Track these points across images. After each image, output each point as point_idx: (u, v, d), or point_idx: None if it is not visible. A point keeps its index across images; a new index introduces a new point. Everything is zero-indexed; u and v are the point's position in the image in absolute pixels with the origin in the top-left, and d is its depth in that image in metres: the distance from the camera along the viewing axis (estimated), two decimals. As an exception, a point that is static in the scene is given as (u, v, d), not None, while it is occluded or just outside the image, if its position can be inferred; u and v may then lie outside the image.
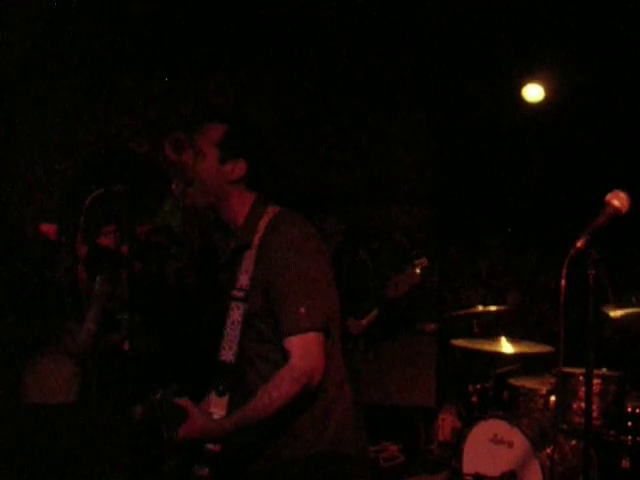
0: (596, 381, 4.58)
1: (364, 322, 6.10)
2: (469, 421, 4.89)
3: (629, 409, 4.61)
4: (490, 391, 5.13)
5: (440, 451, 6.69)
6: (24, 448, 5.01)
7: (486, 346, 5.12)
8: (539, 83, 6.87)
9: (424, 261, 6.45)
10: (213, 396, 2.87)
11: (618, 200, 2.69)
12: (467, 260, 7.74)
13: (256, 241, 2.80)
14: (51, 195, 6.66)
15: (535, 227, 7.15)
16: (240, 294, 2.80)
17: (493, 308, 5.53)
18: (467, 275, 7.71)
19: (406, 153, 7.90)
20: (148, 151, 7.10)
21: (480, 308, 5.45)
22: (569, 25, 6.44)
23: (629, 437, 4.56)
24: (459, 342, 5.30)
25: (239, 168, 2.84)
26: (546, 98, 6.88)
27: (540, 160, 7.10)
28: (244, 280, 2.80)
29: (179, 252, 6.09)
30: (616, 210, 2.68)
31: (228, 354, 2.84)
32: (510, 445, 4.53)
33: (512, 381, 5.13)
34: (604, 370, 4.82)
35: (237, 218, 2.88)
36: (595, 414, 4.55)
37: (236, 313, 2.82)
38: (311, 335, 2.69)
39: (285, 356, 2.71)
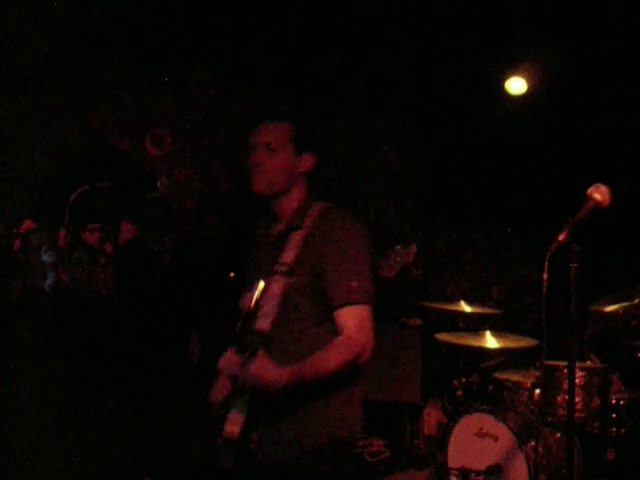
0: (580, 374, 4.58)
1: None
2: (454, 415, 4.88)
3: (613, 401, 4.61)
4: (475, 385, 5.13)
5: (426, 445, 6.69)
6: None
7: (471, 340, 5.11)
8: (522, 76, 6.88)
9: (414, 247, 6.42)
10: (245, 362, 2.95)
11: (599, 193, 2.69)
12: (451, 254, 7.74)
13: (307, 223, 3.02)
14: (32, 190, 6.62)
15: (518, 221, 7.15)
16: (283, 269, 2.96)
17: (477, 309, 5.50)
18: (451, 269, 7.71)
19: (391, 147, 7.89)
20: (129, 147, 7.08)
21: (463, 306, 5.43)
22: (551, 19, 6.44)
23: (613, 429, 4.56)
24: (444, 336, 5.29)
25: (309, 161, 3.10)
26: (529, 91, 6.89)
27: (523, 153, 7.10)
28: (289, 256, 2.97)
29: (175, 224, 6.11)
30: (597, 204, 2.68)
31: (264, 323, 2.94)
32: (495, 439, 4.52)
33: (497, 375, 5.13)
34: (588, 363, 4.83)
35: (291, 206, 3.09)
36: (579, 406, 4.55)
37: (276, 286, 2.95)
38: (364, 308, 2.90)
39: (318, 338, 2.89)
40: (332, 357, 2.82)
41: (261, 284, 2.95)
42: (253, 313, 2.96)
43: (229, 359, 2.95)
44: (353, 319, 2.88)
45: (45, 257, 5.50)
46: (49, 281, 5.56)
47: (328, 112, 7.81)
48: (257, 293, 2.95)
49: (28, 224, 5.75)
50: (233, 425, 2.87)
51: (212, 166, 7.43)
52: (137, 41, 6.88)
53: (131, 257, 5.68)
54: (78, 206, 4.40)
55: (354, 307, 2.89)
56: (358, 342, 2.86)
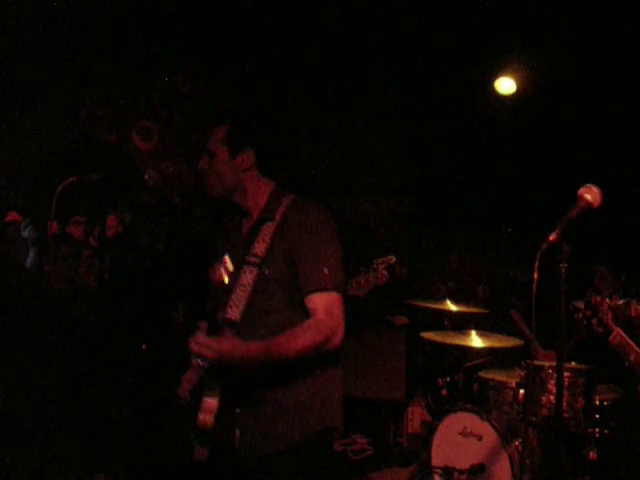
0: (565, 374, 4.58)
1: None
2: (438, 414, 4.90)
3: (597, 402, 4.63)
4: (460, 384, 5.14)
5: (409, 444, 6.70)
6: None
7: (456, 339, 5.12)
8: (511, 76, 6.90)
9: (391, 259, 6.36)
10: None
11: (590, 194, 2.70)
12: (437, 253, 7.74)
13: (278, 216, 3.09)
14: (20, 182, 6.59)
15: (506, 221, 7.17)
16: (255, 260, 3.04)
17: (462, 308, 5.50)
18: (437, 268, 7.71)
19: (379, 146, 7.89)
20: (117, 139, 7.05)
21: (449, 305, 5.42)
22: (540, 19, 6.46)
23: (596, 429, 4.58)
24: (429, 335, 5.29)
25: (248, 158, 3.13)
26: (518, 91, 6.91)
27: (512, 153, 7.12)
28: (260, 248, 3.05)
29: (171, 212, 6.10)
30: (588, 204, 2.69)
31: (234, 312, 3.03)
32: (479, 438, 4.54)
33: (482, 374, 5.14)
34: (573, 363, 4.84)
35: (256, 201, 3.15)
36: (564, 407, 4.56)
37: (248, 276, 3.04)
38: (334, 295, 2.97)
39: (292, 326, 2.93)
40: (300, 336, 2.88)
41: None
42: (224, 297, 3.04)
43: (200, 341, 2.91)
44: (323, 304, 2.94)
45: (25, 232, 5.51)
46: (30, 256, 5.55)
47: (317, 109, 7.80)
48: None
49: (13, 216, 5.72)
50: (206, 414, 2.90)
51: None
52: (126, 35, 6.85)
53: (117, 251, 5.65)
54: (65, 198, 4.37)
55: (324, 293, 2.96)
56: (327, 326, 2.91)
